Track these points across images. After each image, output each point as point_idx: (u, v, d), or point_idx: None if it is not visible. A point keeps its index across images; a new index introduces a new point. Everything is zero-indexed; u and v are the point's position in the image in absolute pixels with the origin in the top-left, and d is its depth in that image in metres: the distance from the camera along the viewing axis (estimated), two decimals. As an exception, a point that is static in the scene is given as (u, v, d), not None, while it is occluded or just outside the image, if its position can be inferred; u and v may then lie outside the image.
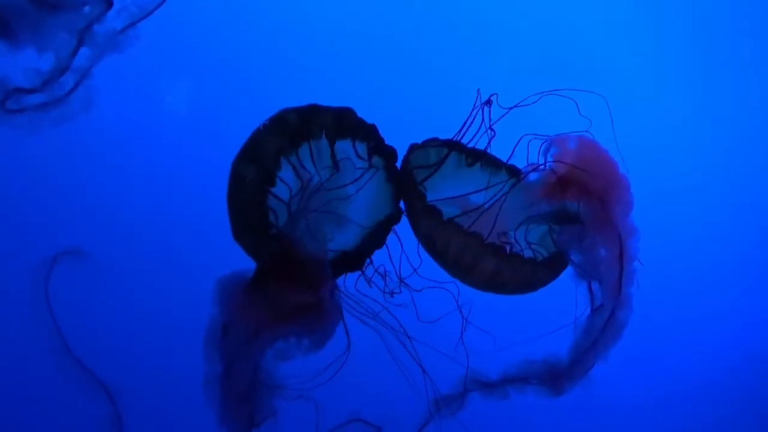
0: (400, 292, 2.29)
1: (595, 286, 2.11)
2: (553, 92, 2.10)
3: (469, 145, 2.25)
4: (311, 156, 2.19)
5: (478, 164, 2.28)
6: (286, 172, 2.16)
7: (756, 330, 4.52)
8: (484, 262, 2.03)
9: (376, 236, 2.27)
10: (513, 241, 2.18)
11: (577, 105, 2.08)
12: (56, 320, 2.10)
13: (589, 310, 2.13)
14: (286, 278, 2.09)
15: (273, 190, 2.13)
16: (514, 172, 2.27)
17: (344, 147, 2.22)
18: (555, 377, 2.18)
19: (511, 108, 2.12)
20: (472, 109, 2.17)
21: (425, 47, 3.74)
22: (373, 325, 2.28)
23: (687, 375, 4.38)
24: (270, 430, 2.16)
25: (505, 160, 2.28)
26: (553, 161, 2.08)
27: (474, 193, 2.26)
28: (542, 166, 2.12)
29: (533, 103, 2.11)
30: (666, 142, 4.33)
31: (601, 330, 2.10)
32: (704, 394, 4.40)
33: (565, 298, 2.16)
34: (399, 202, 2.28)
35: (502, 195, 2.18)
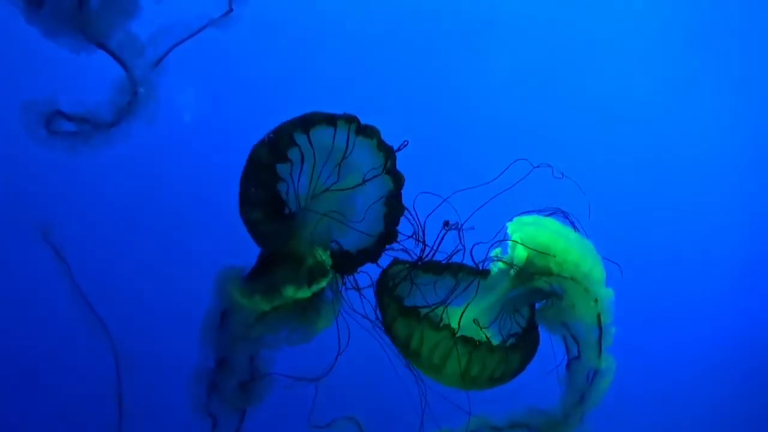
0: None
1: (570, 340, 2.16)
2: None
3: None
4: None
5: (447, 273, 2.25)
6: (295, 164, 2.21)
7: (750, 331, 4.36)
8: (454, 353, 2.00)
9: (370, 252, 2.28)
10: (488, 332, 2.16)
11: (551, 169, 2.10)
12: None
13: (566, 361, 2.19)
14: (284, 271, 2.16)
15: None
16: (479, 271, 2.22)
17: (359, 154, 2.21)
18: (550, 428, 2.25)
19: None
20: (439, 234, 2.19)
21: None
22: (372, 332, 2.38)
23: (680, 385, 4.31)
24: (261, 419, 2.32)
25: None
26: (514, 247, 2.12)
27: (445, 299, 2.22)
28: (503, 258, 2.15)
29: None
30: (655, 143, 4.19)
31: (587, 386, 2.15)
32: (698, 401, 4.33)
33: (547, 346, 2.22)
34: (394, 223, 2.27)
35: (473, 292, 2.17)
